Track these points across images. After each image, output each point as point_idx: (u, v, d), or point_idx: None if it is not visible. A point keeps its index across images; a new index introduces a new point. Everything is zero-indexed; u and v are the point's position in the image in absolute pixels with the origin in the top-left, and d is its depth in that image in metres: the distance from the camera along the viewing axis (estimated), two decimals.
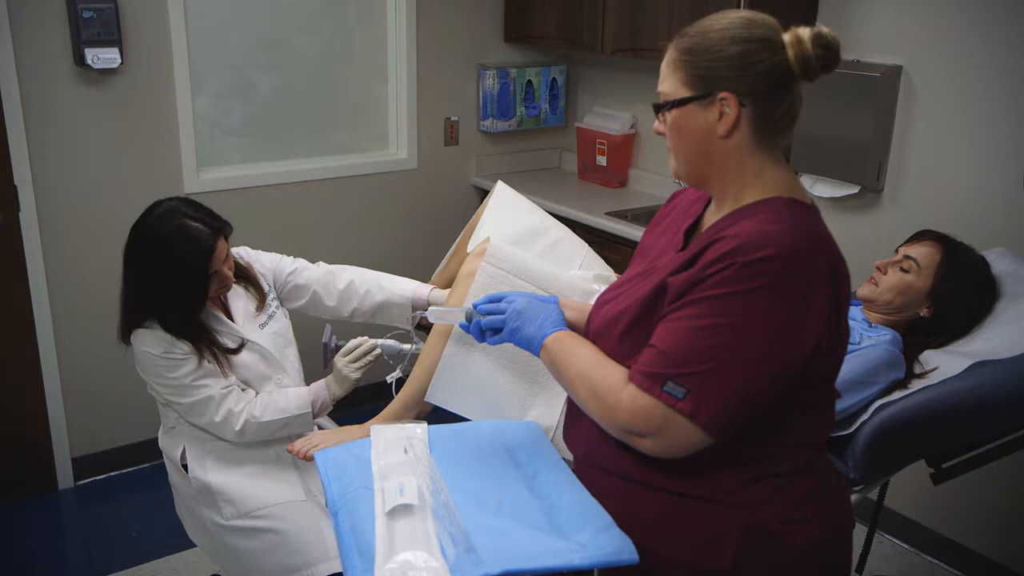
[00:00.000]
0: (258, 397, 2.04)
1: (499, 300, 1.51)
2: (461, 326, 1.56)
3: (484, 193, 3.84)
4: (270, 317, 2.13)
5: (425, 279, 2.53)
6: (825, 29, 1.23)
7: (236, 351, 2.03)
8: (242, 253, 2.17)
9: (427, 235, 3.74)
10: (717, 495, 1.28)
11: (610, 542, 1.28)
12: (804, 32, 1.23)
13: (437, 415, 1.80)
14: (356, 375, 2.07)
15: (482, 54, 3.79)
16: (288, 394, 2.06)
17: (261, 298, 2.13)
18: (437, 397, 1.82)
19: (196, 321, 1.98)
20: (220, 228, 1.95)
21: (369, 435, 1.56)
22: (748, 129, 1.26)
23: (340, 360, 2.09)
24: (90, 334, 3.10)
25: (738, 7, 2.79)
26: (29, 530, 2.98)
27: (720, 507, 1.28)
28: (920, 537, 2.84)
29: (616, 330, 1.34)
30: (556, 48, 3.76)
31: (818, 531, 1.30)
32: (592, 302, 1.86)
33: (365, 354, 2.08)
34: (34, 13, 2.79)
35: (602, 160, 3.78)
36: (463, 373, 1.82)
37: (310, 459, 1.74)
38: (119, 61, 2.87)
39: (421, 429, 1.56)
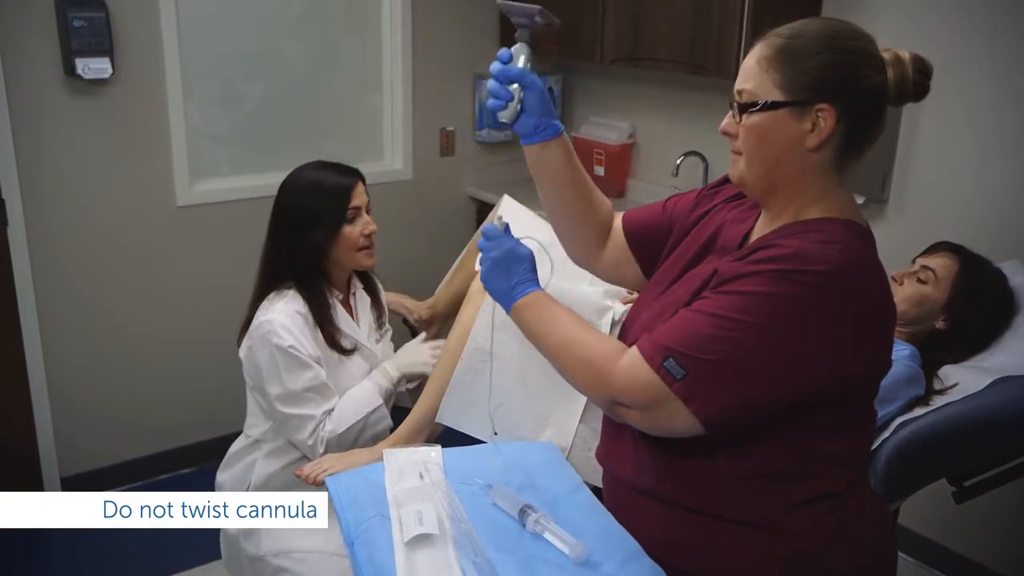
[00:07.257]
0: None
1: (492, 238, 1.43)
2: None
3: (480, 204, 3.80)
4: (382, 337, 2.15)
5: (420, 291, 2.48)
6: (923, 55, 1.18)
7: (350, 352, 2.00)
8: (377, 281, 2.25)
9: (423, 247, 3.69)
10: (762, 521, 1.23)
11: (639, 571, 1.25)
12: (904, 54, 1.17)
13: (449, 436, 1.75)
14: (429, 369, 1.99)
15: (478, 63, 3.74)
16: (353, 396, 1.99)
17: (380, 315, 2.16)
18: (448, 418, 1.77)
19: (328, 266, 2.03)
20: (357, 173, 2.05)
21: (380, 459, 1.51)
22: (833, 147, 1.19)
23: (417, 345, 2.09)
24: (80, 349, 3.03)
25: (742, 12, 2.76)
26: (16, 553, 2.89)
27: (765, 533, 1.23)
28: (934, 555, 2.79)
29: None
30: (553, 57, 3.72)
31: (867, 556, 1.26)
32: (603, 320, 1.83)
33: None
34: (23, 22, 2.72)
35: (600, 170, 3.74)
36: (474, 393, 1.77)
37: (320, 484, 1.68)
38: (110, 71, 2.80)
39: (436, 452, 1.51)
